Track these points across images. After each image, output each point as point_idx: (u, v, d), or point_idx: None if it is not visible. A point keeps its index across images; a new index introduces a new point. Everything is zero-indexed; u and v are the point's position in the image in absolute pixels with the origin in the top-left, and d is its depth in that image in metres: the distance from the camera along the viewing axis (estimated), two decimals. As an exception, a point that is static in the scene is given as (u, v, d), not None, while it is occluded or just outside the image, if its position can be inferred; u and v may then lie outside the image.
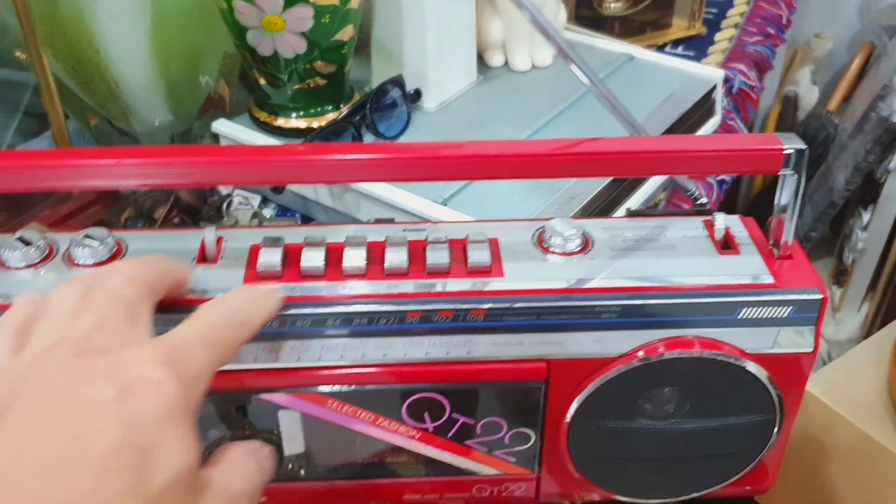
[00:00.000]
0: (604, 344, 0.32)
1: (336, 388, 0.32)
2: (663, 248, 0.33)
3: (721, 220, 0.34)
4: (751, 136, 0.31)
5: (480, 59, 0.60)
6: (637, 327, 0.31)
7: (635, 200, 0.51)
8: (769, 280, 0.32)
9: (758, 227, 0.35)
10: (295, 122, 0.53)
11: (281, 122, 0.53)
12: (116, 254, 0.32)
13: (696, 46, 0.75)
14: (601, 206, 0.48)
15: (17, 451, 0.21)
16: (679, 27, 0.77)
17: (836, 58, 1.16)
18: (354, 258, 0.31)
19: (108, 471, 0.21)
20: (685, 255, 0.33)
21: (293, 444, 0.34)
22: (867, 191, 1.03)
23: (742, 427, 0.34)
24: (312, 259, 0.31)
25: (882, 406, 0.64)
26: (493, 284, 0.31)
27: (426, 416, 0.33)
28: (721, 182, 0.62)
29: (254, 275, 0.31)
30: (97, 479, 0.21)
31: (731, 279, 0.32)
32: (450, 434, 0.34)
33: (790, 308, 0.31)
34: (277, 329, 0.30)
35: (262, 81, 0.52)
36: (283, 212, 0.55)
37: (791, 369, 0.33)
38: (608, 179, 0.48)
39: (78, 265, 0.32)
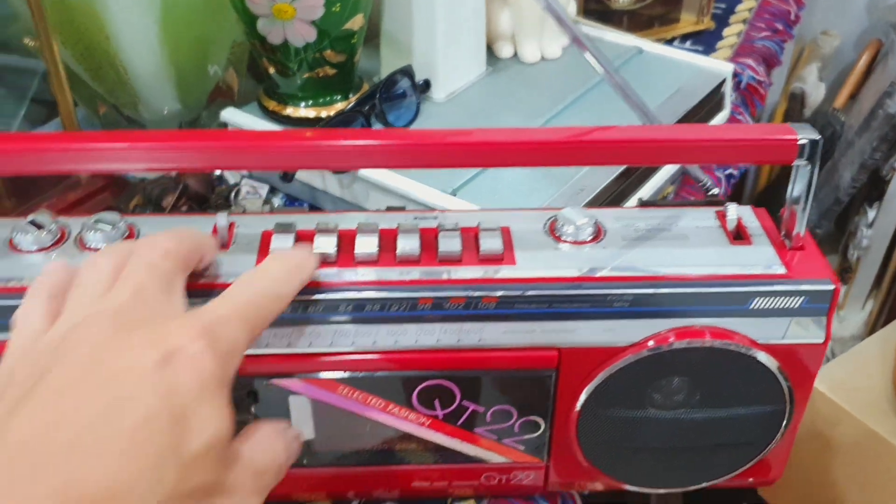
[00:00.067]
0: (615, 333, 0.32)
1: (347, 374, 0.32)
2: (675, 238, 0.33)
3: (733, 211, 0.34)
4: (765, 126, 0.31)
5: (489, 50, 0.60)
6: (649, 316, 0.31)
7: (644, 193, 0.51)
8: (781, 270, 0.32)
9: (770, 218, 0.35)
10: (304, 111, 0.53)
11: (290, 111, 0.53)
12: (128, 238, 0.32)
13: (705, 41, 0.75)
14: (610, 199, 0.48)
15: (58, 412, 0.21)
16: (687, 22, 0.77)
17: (843, 55, 1.15)
18: (366, 245, 0.31)
19: (146, 433, 0.21)
20: (697, 245, 0.33)
21: (303, 429, 0.34)
22: (873, 188, 1.03)
23: (751, 418, 0.34)
24: (325, 245, 0.31)
25: (887, 402, 0.64)
26: (505, 272, 0.31)
27: (436, 403, 0.33)
28: (729, 176, 0.62)
29: (266, 260, 0.31)
30: (135, 441, 0.21)
31: (742, 269, 0.32)
32: (459, 421, 0.34)
33: (802, 298, 0.31)
34: (290, 315, 0.30)
35: (272, 70, 0.52)
36: (291, 201, 0.55)
37: (801, 360, 0.33)
38: (617, 171, 0.48)
39: (90, 249, 0.32)
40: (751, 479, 0.38)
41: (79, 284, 0.27)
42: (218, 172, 0.55)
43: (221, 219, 0.32)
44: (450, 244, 0.32)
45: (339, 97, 0.54)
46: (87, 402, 0.22)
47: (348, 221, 0.33)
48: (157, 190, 0.53)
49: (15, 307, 0.29)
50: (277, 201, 0.55)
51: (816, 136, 0.30)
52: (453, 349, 0.32)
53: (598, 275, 0.31)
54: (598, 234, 0.33)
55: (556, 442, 0.35)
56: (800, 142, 0.30)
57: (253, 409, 0.33)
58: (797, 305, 0.31)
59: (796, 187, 0.32)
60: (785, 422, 0.35)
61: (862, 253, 1.04)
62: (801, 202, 0.32)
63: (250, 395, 0.32)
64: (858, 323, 1.07)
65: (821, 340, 0.32)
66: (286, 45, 0.49)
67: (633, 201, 0.50)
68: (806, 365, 0.33)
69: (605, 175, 0.47)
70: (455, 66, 0.55)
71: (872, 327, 1.06)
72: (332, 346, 0.31)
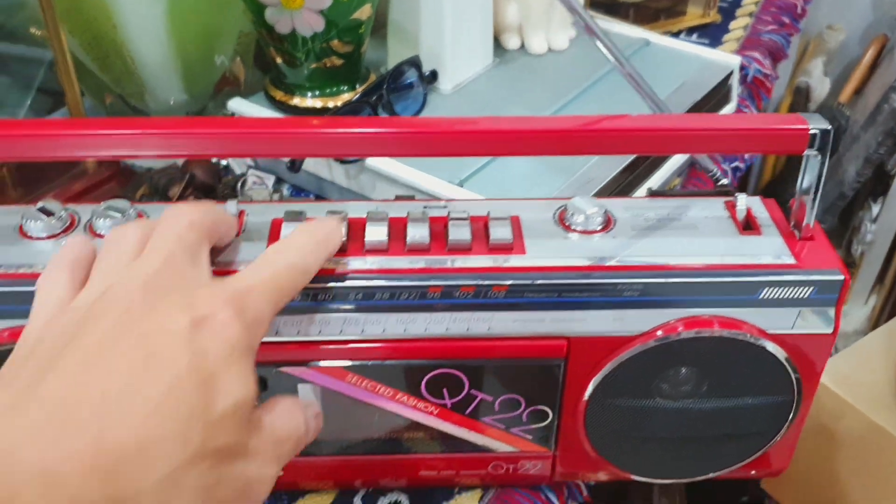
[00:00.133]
0: (624, 322, 0.32)
1: (356, 362, 0.32)
2: (685, 228, 0.33)
3: (742, 201, 0.34)
4: (776, 116, 0.31)
5: (496, 41, 0.59)
6: (658, 306, 0.31)
7: (651, 185, 0.51)
8: (790, 261, 0.32)
9: (779, 209, 0.35)
10: (311, 101, 0.53)
11: (297, 101, 0.53)
12: (139, 225, 0.32)
13: (711, 34, 0.75)
14: (617, 190, 0.48)
15: (91, 370, 0.22)
16: (694, 15, 0.76)
17: (848, 49, 1.15)
18: (376, 233, 0.31)
19: (176, 393, 0.22)
20: (707, 235, 0.33)
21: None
22: (877, 183, 1.03)
23: (759, 408, 0.34)
24: (334, 233, 0.31)
25: (891, 396, 0.64)
26: (515, 261, 0.31)
27: (445, 392, 0.33)
28: (735, 169, 0.62)
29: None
30: (166, 400, 0.22)
31: (752, 259, 0.32)
32: (468, 410, 0.34)
33: (811, 289, 0.31)
34: (299, 303, 0.30)
35: (279, 60, 0.52)
36: (298, 192, 0.55)
37: (810, 350, 0.33)
38: (624, 163, 0.48)
39: (100, 236, 0.32)
40: (757, 471, 0.38)
41: (105, 254, 0.27)
42: (224, 163, 0.55)
43: (231, 207, 0.32)
44: (459, 233, 0.32)
45: (346, 88, 0.54)
46: (120, 362, 0.22)
47: (357, 210, 0.33)
48: (163, 180, 0.53)
49: (25, 293, 0.29)
50: (284, 192, 0.55)
51: (827, 126, 0.30)
52: (462, 338, 0.32)
53: (608, 264, 0.31)
54: (607, 224, 0.33)
55: (564, 431, 0.35)
56: (811, 131, 0.30)
57: (262, 397, 0.33)
58: (806, 296, 0.31)
59: (806, 178, 0.32)
60: (792, 413, 0.35)
61: (866, 248, 1.04)
62: (811, 193, 0.32)
63: (259, 382, 0.32)
64: (861, 318, 1.07)
65: (829, 331, 0.32)
66: (294, 35, 0.49)
67: (640, 193, 0.50)
68: (814, 356, 0.33)
69: (612, 167, 0.47)
70: (462, 57, 0.55)
71: (875, 322, 1.06)
72: (342, 335, 0.31)
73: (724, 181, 0.36)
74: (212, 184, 0.53)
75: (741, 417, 0.34)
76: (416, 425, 0.34)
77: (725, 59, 0.59)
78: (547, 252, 0.32)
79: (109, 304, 0.24)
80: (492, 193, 0.45)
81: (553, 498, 0.39)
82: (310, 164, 0.52)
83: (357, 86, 0.54)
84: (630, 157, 0.48)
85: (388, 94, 0.50)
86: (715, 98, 0.57)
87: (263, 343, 0.31)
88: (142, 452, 0.21)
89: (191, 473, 0.22)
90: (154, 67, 0.53)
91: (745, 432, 0.35)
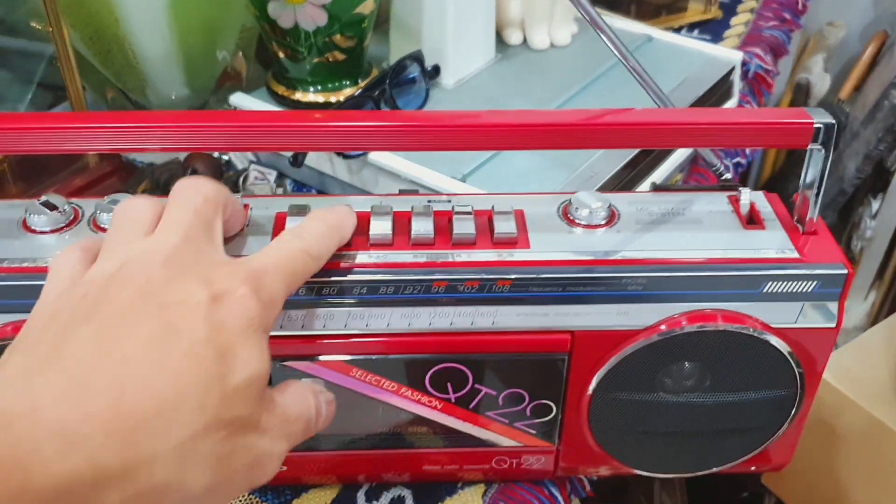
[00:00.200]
0: (628, 316, 0.32)
1: (360, 356, 0.32)
2: (689, 222, 0.33)
3: (746, 196, 0.34)
4: (780, 110, 0.31)
5: (499, 36, 0.59)
6: (662, 300, 0.31)
7: (653, 180, 0.51)
8: (794, 255, 0.32)
9: (782, 203, 0.35)
10: (313, 96, 0.53)
11: (299, 95, 0.53)
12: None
13: (712, 30, 0.75)
14: (619, 186, 0.48)
15: (113, 335, 0.23)
16: (695, 11, 0.76)
17: (848, 46, 1.15)
18: (381, 227, 0.31)
19: (195, 362, 0.22)
20: (710, 230, 0.33)
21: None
22: (877, 179, 1.03)
23: (762, 403, 0.34)
24: (339, 227, 0.31)
25: (892, 391, 0.64)
26: (520, 255, 0.31)
27: (449, 386, 0.33)
28: (737, 165, 0.62)
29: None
30: (184, 368, 0.22)
31: (755, 253, 0.32)
32: (471, 405, 0.34)
33: (815, 283, 0.31)
34: (304, 297, 0.30)
35: (281, 55, 0.52)
36: (300, 187, 0.55)
37: (813, 344, 0.33)
38: (627, 158, 0.48)
39: (103, 230, 0.32)
40: (760, 466, 0.38)
41: (117, 228, 0.27)
42: (226, 158, 0.55)
43: (235, 201, 0.32)
44: (464, 227, 0.32)
45: (348, 82, 0.54)
46: (141, 330, 0.23)
47: (361, 204, 0.33)
48: (164, 175, 0.53)
49: (30, 287, 0.29)
50: (287, 187, 0.55)
51: (831, 121, 0.30)
52: (467, 332, 0.32)
53: (612, 258, 0.31)
54: (611, 218, 0.33)
55: (568, 426, 0.35)
56: (815, 125, 0.30)
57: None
58: (810, 290, 0.31)
59: (809, 172, 0.32)
60: (795, 407, 0.35)
61: (865, 244, 1.04)
62: (815, 187, 0.32)
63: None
64: (861, 314, 1.08)
65: (832, 325, 0.32)
66: (297, 29, 0.49)
67: (642, 188, 0.50)
68: (817, 350, 0.33)
69: (614, 162, 0.47)
70: (465, 52, 0.55)
71: (875, 318, 1.06)
72: (346, 329, 0.31)
73: (728, 176, 0.36)
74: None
75: (744, 412, 0.35)
76: (419, 420, 0.34)
77: (727, 54, 0.59)
78: (551, 246, 0.32)
79: (129, 276, 0.24)
80: (494, 189, 0.45)
81: (556, 493, 0.39)
82: (312, 159, 0.52)
83: (359, 81, 0.54)
84: (632, 153, 0.48)
85: (390, 88, 0.50)
86: (717, 94, 0.57)
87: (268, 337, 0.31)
88: (160, 417, 0.21)
89: (206, 441, 0.22)
90: (156, 62, 0.53)
91: (748, 427, 0.36)
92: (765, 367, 0.33)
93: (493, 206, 0.33)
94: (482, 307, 0.31)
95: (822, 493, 0.70)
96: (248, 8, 0.52)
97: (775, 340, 0.32)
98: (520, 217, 0.33)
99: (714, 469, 0.37)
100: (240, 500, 0.38)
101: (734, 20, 0.76)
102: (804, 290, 0.31)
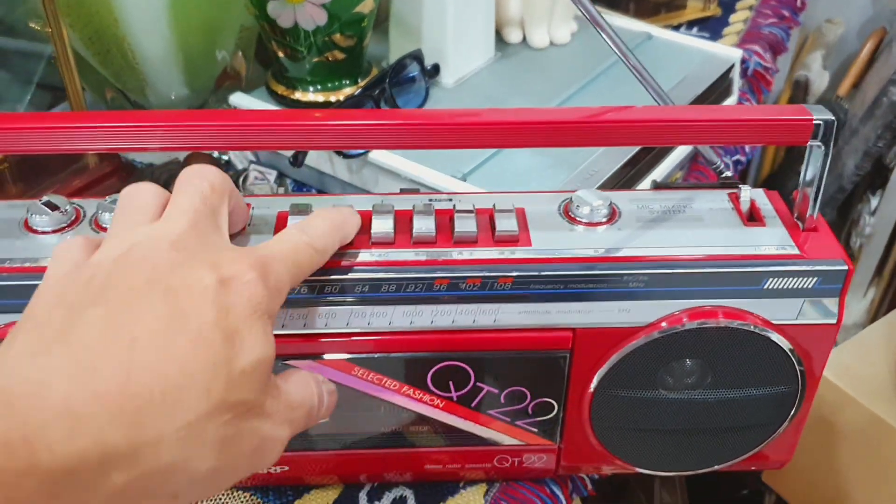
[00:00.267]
0: (630, 314, 0.32)
1: (362, 355, 0.32)
2: (690, 220, 0.33)
3: (746, 193, 0.34)
4: (780, 107, 0.31)
5: (498, 35, 0.59)
6: (663, 297, 0.32)
7: (653, 178, 0.51)
8: (794, 251, 0.32)
9: (782, 201, 0.35)
10: (312, 95, 0.53)
11: (298, 95, 0.53)
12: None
13: (711, 28, 0.75)
14: (619, 184, 0.48)
15: (121, 318, 0.23)
16: (694, 8, 0.76)
17: (847, 43, 1.15)
18: (382, 226, 0.32)
19: (202, 345, 0.23)
20: (711, 227, 0.33)
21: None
22: (876, 176, 1.03)
23: (763, 399, 0.34)
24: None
25: (891, 387, 0.64)
26: (521, 253, 0.31)
27: (451, 384, 0.33)
28: (737, 162, 0.62)
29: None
30: (192, 349, 0.22)
31: (756, 250, 0.32)
32: (473, 403, 0.34)
33: (815, 279, 0.31)
34: (305, 295, 0.30)
35: (281, 54, 0.52)
36: (300, 187, 0.55)
37: (814, 341, 0.33)
38: (627, 156, 0.48)
39: (105, 229, 0.32)
40: (760, 464, 0.38)
41: (122, 213, 0.27)
42: (226, 158, 0.55)
43: (237, 200, 0.32)
44: (465, 225, 0.32)
45: (348, 82, 0.54)
46: (148, 313, 0.23)
47: (362, 203, 0.33)
48: (164, 175, 0.53)
49: (33, 287, 0.29)
50: (288, 186, 0.55)
51: (831, 118, 0.30)
52: (468, 330, 0.32)
53: (613, 256, 0.31)
54: (612, 216, 0.33)
55: (569, 424, 0.35)
56: (815, 122, 0.30)
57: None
58: (810, 286, 0.32)
59: (809, 169, 0.32)
60: (796, 404, 0.35)
61: (864, 241, 1.04)
62: (814, 184, 0.32)
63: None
64: (860, 310, 1.08)
65: (833, 321, 0.33)
66: (296, 29, 0.49)
67: (642, 186, 0.50)
68: (818, 346, 0.33)
69: (614, 160, 0.47)
70: (464, 50, 0.55)
71: (874, 315, 1.06)
72: (348, 327, 0.31)
73: (728, 174, 0.36)
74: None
75: (745, 409, 0.35)
76: (421, 418, 0.34)
77: (727, 52, 0.59)
78: (552, 244, 0.32)
79: (137, 260, 0.24)
80: (495, 187, 0.45)
81: (558, 491, 0.39)
82: (312, 159, 0.52)
83: (359, 80, 0.54)
84: (632, 151, 0.48)
85: (390, 88, 0.50)
86: (716, 91, 0.57)
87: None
88: (166, 399, 0.22)
89: (211, 424, 0.22)
90: (155, 62, 0.53)
91: (749, 424, 0.36)
92: (766, 364, 0.33)
93: (494, 205, 0.33)
94: (484, 305, 0.31)
95: (823, 490, 0.70)
96: (247, 7, 0.52)
97: (776, 337, 0.32)
98: (521, 215, 0.33)
99: (716, 467, 0.37)
100: (241, 501, 0.38)
101: (733, 17, 0.76)
102: (805, 286, 0.31)
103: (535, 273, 0.31)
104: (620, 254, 0.31)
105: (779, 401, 0.35)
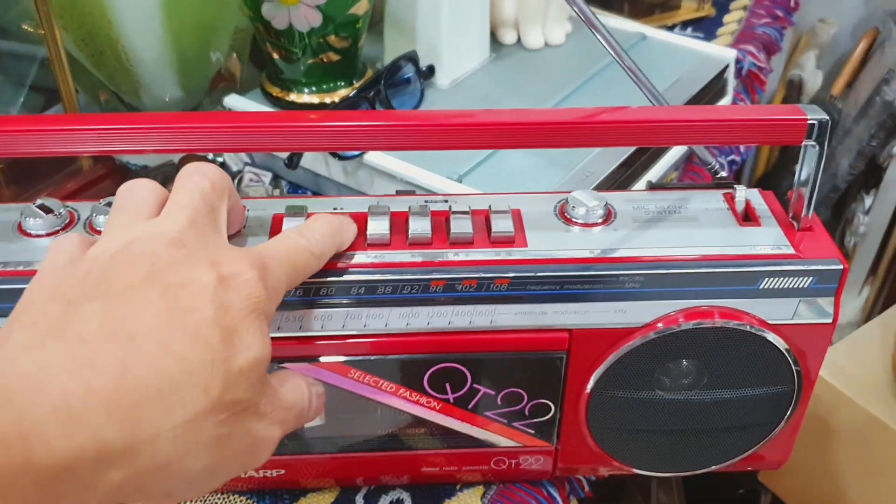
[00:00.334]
0: (626, 314, 0.32)
1: (358, 357, 0.32)
2: (685, 220, 0.33)
3: (742, 193, 0.34)
4: (775, 107, 0.31)
5: (493, 36, 0.59)
6: (659, 297, 0.32)
7: (648, 178, 0.51)
8: (790, 251, 0.32)
9: (777, 201, 0.35)
10: (307, 97, 0.53)
11: (293, 97, 0.53)
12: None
13: (705, 28, 0.75)
14: (615, 185, 0.48)
15: (120, 312, 0.22)
16: (688, 9, 0.77)
17: (840, 43, 1.15)
18: (378, 227, 0.31)
19: (201, 342, 0.22)
20: (707, 227, 0.33)
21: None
22: (870, 175, 1.03)
23: (760, 399, 0.34)
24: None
25: (887, 387, 0.64)
26: (517, 254, 0.31)
27: (447, 386, 0.33)
28: (731, 163, 0.62)
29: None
30: (190, 346, 0.22)
31: (751, 250, 0.32)
32: (470, 405, 0.34)
33: (811, 279, 0.31)
34: (301, 297, 0.30)
35: (276, 56, 0.52)
36: (295, 189, 0.55)
37: (810, 340, 0.33)
38: (623, 157, 0.48)
39: (100, 232, 0.32)
40: (757, 463, 0.38)
41: (121, 208, 0.27)
42: (220, 160, 0.55)
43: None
44: (461, 226, 0.32)
45: (342, 83, 0.54)
46: (147, 309, 0.22)
47: (358, 205, 0.33)
48: (159, 177, 0.53)
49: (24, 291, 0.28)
50: (283, 188, 0.54)
51: (825, 117, 0.30)
52: (465, 331, 0.32)
53: (609, 256, 0.31)
54: (608, 217, 0.33)
55: (566, 425, 0.35)
56: (810, 121, 0.30)
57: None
58: (806, 286, 0.32)
59: (804, 169, 0.32)
60: (792, 404, 0.35)
61: (859, 240, 1.05)
62: (809, 184, 0.32)
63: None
64: (855, 309, 1.08)
65: (829, 321, 0.33)
66: (291, 30, 0.49)
67: (638, 187, 0.50)
68: (814, 345, 0.33)
69: (610, 161, 0.47)
70: (459, 51, 0.55)
71: (869, 314, 1.07)
72: (344, 329, 0.31)
73: (723, 173, 0.36)
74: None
75: (742, 409, 0.35)
76: (418, 421, 0.34)
77: (721, 52, 0.59)
78: (548, 245, 0.32)
79: (135, 255, 0.24)
80: (490, 189, 0.45)
81: (555, 493, 0.39)
82: (307, 161, 0.52)
83: (354, 81, 0.54)
84: (628, 152, 0.48)
85: (385, 89, 0.50)
86: (711, 92, 0.57)
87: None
88: (164, 396, 0.21)
89: (207, 422, 0.22)
90: (149, 63, 0.52)
91: (746, 424, 0.36)
92: (762, 364, 0.33)
93: (490, 206, 0.33)
94: (480, 306, 0.31)
95: (818, 489, 0.70)
96: (241, 9, 0.52)
97: (772, 337, 0.32)
98: (517, 216, 0.33)
99: (712, 467, 0.37)
100: None
101: (727, 18, 0.76)
102: (800, 286, 0.32)
103: (532, 274, 0.31)
104: (616, 254, 0.31)
105: (775, 401, 0.35)
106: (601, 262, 0.31)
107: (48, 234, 0.32)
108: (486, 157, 0.47)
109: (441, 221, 0.32)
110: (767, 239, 0.32)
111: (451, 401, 0.34)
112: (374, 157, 0.48)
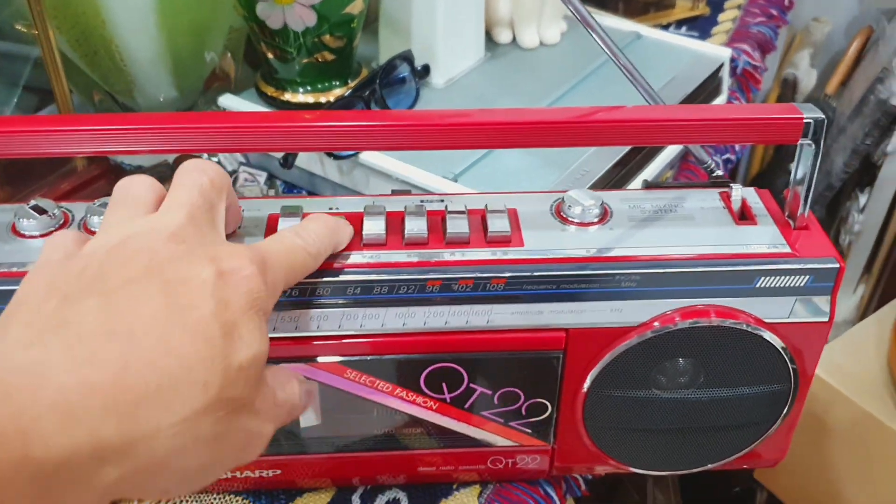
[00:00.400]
0: (622, 313, 0.32)
1: (355, 357, 0.32)
2: (681, 219, 0.33)
3: (738, 192, 0.34)
4: (770, 106, 0.31)
5: (488, 35, 0.59)
6: (655, 296, 0.32)
7: (644, 177, 0.51)
8: (786, 249, 0.32)
9: (773, 199, 0.35)
10: (302, 97, 0.53)
11: (288, 96, 0.53)
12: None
13: (700, 27, 0.75)
14: (610, 184, 0.48)
15: (119, 308, 0.22)
16: (683, 8, 0.77)
17: (834, 41, 1.16)
18: (374, 227, 0.31)
19: (200, 339, 0.22)
20: (703, 226, 0.33)
21: (309, 415, 0.34)
22: (864, 173, 1.04)
23: (756, 398, 0.34)
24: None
25: (882, 384, 0.65)
26: (514, 253, 0.31)
27: (444, 386, 0.33)
28: (727, 161, 0.62)
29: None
30: (190, 343, 0.22)
31: (748, 249, 0.32)
32: (467, 405, 0.34)
33: (807, 277, 0.31)
34: (297, 298, 0.30)
35: (270, 55, 0.52)
36: (290, 189, 0.54)
37: (806, 339, 0.33)
38: (618, 156, 0.48)
39: (94, 233, 0.31)
40: (754, 462, 0.38)
41: (118, 204, 0.27)
42: (215, 160, 0.55)
43: (227, 202, 0.32)
44: (457, 226, 0.31)
45: (337, 83, 0.53)
46: (146, 305, 0.22)
47: (354, 205, 0.33)
48: (154, 178, 0.53)
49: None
50: (279, 188, 0.54)
51: (821, 116, 0.30)
52: (461, 331, 0.32)
53: (605, 255, 0.31)
54: (604, 216, 0.33)
55: (563, 424, 0.35)
56: (805, 120, 0.30)
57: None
58: (802, 284, 0.32)
59: (800, 167, 0.32)
60: (789, 402, 0.35)
61: (853, 238, 1.05)
62: (805, 182, 0.32)
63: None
64: (850, 307, 1.08)
65: (825, 319, 0.33)
66: (285, 30, 0.49)
67: (633, 186, 0.50)
68: (810, 344, 0.33)
69: (605, 160, 0.47)
70: (455, 51, 0.55)
71: (864, 312, 1.07)
72: (340, 329, 0.31)
73: (719, 173, 0.36)
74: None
75: (738, 408, 0.35)
76: (415, 420, 0.34)
77: (716, 51, 0.59)
78: (545, 244, 0.32)
79: (133, 251, 0.24)
80: (486, 188, 0.45)
81: (551, 492, 0.39)
82: (302, 161, 0.52)
83: (349, 81, 0.54)
84: (623, 151, 0.48)
85: (380, 88, 0.50)
86: (706, 91, 0.57)
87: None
88: (162, 393, 0.21)
89: (206, 419, 0.22)
90: (143, 63, 0.52)
91: (743, 423, 0.36)
92: (759, 363, 0.33)
93: (486, 205, 0.33)
94: (477, 306, 0.31)
95: (814, 487, 0.71)
96: (236, 9, 0.52)
97: (769, 335, 0.32)
98: (513, 215, 0.33)
99: (709, 466, 0.37)
100: (234, 504, 0.37)
101: (722, 17, 0.76)
102: (797, 284, 0.32)
103: (528, 273, 0.31)
104: (612, 253, 0.31)
105: (772, 399, 0.35)
106: (597, 262, 0.31)
107: (42, 235, 0.31)
108: (481, 157, 0.47)
109: (437, 221, 0.32)
110: (764, 238, 0.32)
111: (448, 400, 0.34)
112: (369, 157, 0.47)
